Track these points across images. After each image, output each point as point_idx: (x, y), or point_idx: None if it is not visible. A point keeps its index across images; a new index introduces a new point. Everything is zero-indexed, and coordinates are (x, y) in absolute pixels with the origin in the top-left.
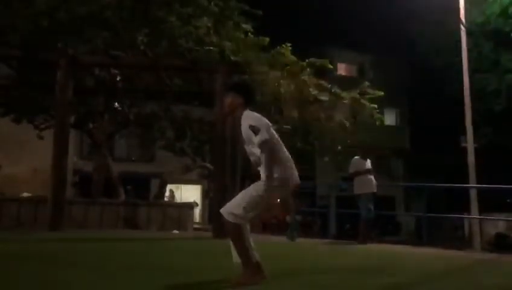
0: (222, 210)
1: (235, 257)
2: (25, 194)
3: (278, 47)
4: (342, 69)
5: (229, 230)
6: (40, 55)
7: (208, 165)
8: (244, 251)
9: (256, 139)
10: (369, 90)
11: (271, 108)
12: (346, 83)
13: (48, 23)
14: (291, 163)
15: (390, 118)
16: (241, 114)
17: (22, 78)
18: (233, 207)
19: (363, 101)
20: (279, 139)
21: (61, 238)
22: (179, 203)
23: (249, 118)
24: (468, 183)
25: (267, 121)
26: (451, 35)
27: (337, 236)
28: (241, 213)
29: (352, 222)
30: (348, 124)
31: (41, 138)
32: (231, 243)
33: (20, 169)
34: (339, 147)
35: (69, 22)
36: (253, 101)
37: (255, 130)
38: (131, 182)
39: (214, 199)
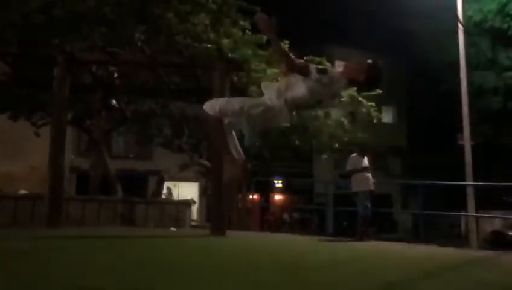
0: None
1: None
2: (22, 192)
3: None
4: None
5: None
6: (37, 52)
7: (206, 162)
8: (226, 145)
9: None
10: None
11: None
12: None
13: (44, 20)
14: None
15: (387, 116)
16: (340, 86)
17: (19, 75)
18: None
19: (360, 99)
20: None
21: (59, 235)
22: (177, 200)
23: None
24: (465, 181)
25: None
26: (448, 34)
27: (334, 233)
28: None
29: (349, 219)
30: (345, 122)
31: (38, 135)
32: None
33: (17, 166)
34: (337, 145)
35: (66, 19)
36: (365, 89)
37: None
38: (128, 179)
39: (211, 196)
